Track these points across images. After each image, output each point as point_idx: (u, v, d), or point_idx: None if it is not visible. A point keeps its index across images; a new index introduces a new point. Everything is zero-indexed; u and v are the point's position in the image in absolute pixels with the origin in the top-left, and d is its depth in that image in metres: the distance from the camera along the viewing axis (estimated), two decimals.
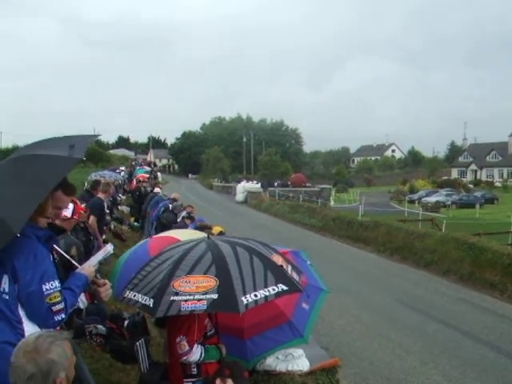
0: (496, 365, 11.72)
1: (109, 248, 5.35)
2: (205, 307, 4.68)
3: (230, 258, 5.10)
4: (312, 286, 7.01)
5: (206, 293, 4.70)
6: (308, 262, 7.30)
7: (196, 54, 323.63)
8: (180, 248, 5.45)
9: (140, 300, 4.95)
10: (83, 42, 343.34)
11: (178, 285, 4.79)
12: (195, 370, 5.67)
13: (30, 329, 3.98)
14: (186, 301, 4.68)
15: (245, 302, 4.70)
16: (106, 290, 4.84)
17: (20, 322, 3.97)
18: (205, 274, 4.88)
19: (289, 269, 5.44)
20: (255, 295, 4.79)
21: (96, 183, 13.78)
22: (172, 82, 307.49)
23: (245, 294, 4.75)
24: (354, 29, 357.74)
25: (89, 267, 4.76)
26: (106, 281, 4.93)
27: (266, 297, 4.84)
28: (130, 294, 5.11)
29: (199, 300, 4.66)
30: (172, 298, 4.71)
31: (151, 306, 4.80)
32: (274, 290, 4.92)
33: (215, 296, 4.69)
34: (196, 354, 5.56)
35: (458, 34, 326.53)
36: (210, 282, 4.78)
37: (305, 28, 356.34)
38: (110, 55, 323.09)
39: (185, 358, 5.49)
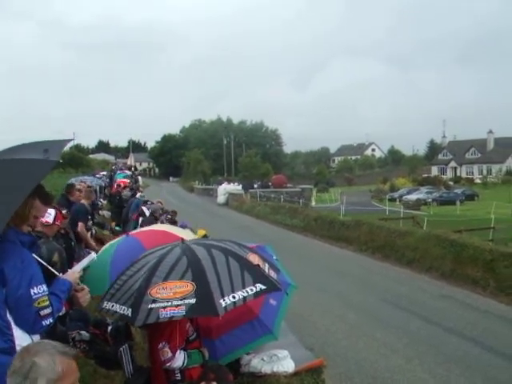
0: (480, 360, 11.76)
1: (93, 255, 5.33)
2: (183, 313, 4.65)
3: (206, 261, 5.05)
4: (279, 281, 6.99)
5: (183, 298, 4.67)
6: (274, 257, 7.25)
7: (177, 57, 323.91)
8: (155, 254, 5.39)
9: (118, 310, 4.93)
10: (63, 46, 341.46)
11: (155, 292, 4.76)
12: (179, 375, 5.65)
13: (19, 334, 3.94)
14: (164, 307, 4.65)
15: (223, 304, 4.68)
16: (84, 295, 4.79)
17: (9, 328, 3.91)
18: (181, 279, 4.84)
19: (266, 267, 5.42)
20: (233, 297, 4.77)
21: (70, 187, 13.68)
22: (152, 85, 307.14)
23: (223, 296, 4.73)
24: (335, 31, 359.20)
25: (73, 273, 4.72)
26: (84, 286, 4.88)
27: (244, 298, 4.83)
28: (108, 305, 5.08)
29: (177, 306, 4.64)
30: (150, 306, 4.68)
31: (130, 315, 4.78)
32: (252, 290, 4.90)
33: (193, 301, 4.66)
34: (179, 360, 5.54)
35: (438, 35, 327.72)
36: (187, 286, 4.75)
37: (287, 30, 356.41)
38: (89, 59, 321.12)
39: (168, 364, 5.46)
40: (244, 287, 4.89)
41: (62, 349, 3.00)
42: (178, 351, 5.54)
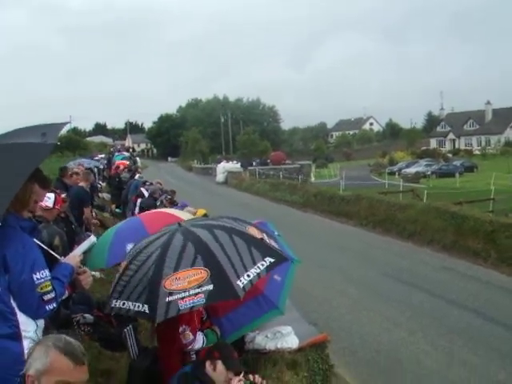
0: (482, 331, 11.84)
1: (92, 238, 5.29)
2: (203, 300, 4.61)
3: (212, 243, 4.99)
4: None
5: (200, 286, 4.62)
6: (276, 233, 7.24)
7: (173, 36, 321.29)
8: (155, 243, 5.27)
9: (132, 308, 4.83)
10: (57, 29, 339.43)
11: (169, 284, 4.67)
12: (194, 356, 5.65)
13: (23, 320, 3.93)
14: (182, 298, 4.59)
15: (241, 285, 4.68)
16: (86, 278, 4.76)
17: (13, 314, 3.89)
18: (192, 266, 4.77)
19: (266, 239, 5.44)
20: (248, 275, 4.77)
21: (64, 170, 13.64)
22: (148, 65, 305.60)
23: (238, 277, 4.72)
24: (331, 5, 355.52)
25: (74, 257, 4.70)
26: (86, 268, 4.86)
27: (258, 274, 4.85)
28: (118, 303, 4.97)
29: (196, 294, 4.59)
30: (167, 299, 4.60)
31: (147, 311, 4.70)
32: (263, 265, 4.91)
33: (210, 287, 4.62)
34: (200, 341, 5.61)
35: (434, 7, 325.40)
36: (201, 273, 4.70)
37: (281, 5, 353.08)
38: (85, 42, 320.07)
39: (190, 347, 5.49)
40: (255, 263, 4.90)
41: (63, 345, 2.98)
42: (198, 333, 5.59)
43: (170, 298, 4.60)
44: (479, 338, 11.45)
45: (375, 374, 10.19)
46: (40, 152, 4.16)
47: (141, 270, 5.03)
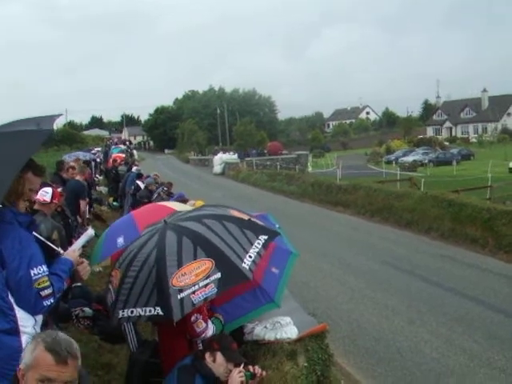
0: (481, 318, 11.87)
1: (90, 232, 5.27)
2: (215, 290, 4.62)
3: (208, 233, 4.99)
4: (281, 248, 6.95)
5: (208, 276, 4.62)
6: (277, 225, 7.23)
7: (166, 27, 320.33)
8: (149, 245, 5.18)
9: (142, 313, 4.77)
10: (52, 23, 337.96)
11: (177, 281, 4.63)
12: (201, 344, 5.66)
13: (21, 315, 3.93)
14: (193, 292, 4.57)
15: (247, 266, 4.73)
16: (83, 268, 4.73)
17: (11, 309, 3.90)
18: (195, 259, 4.75)
19: (252, 218, 5.48)
20: (250, 256, 4.82)
21: (60, 163, 13.65)
22: (143, 58, 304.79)
23: (242, 259, 4.76)
24: None
25: (73, 252, 4.68)
26: (83, 259, 4.85)
27: (258, 253, 4.90)
28: (125, 313, 4.88)
29: (206, 285, 4.59)
30: (179, 297, 4.57)
31: (162, 313, 4.65)
32: (259, 243, 4.97)
33: (218, 275, 4.63)
34: (211, 328, 5.65)
35: None
36: (206, 264, 4.69)
37: None
38: (80, 36, 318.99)
39: (203, 335, 5.51)
40: (252, 244, 4.94)
41: (50, 342, 2.98)
42: (209, 321, 5.64)
43: (182, 295, 4.58)
44: (478, 325, 11.48)
45: (375, 362, 10.20)
46: (36, 139, 4.16)
47: (141, 274, 4.94)
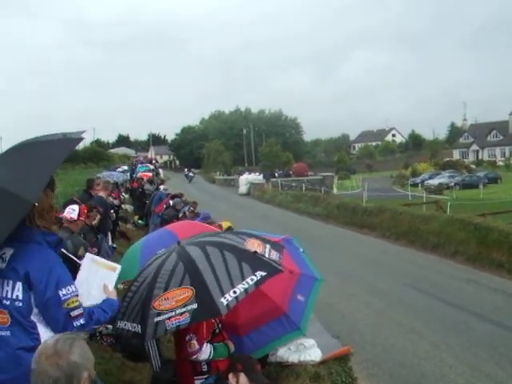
0: (507, 344, 11.69)
1: (118, 267, 5.23)
2: (188, 320, 4.65)
3: (201, 261, 5.02)
4: (306, 275, 6.93)
5: (185, 305, 4.66)
6: (301, 250, 7.22)
7: (195, 49, 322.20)
8: (154, 264, 5.34)
9: (130, 328, 4.92)
10: (83, 42, 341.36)
11: (158, 304, 4.75)
12: (205, 367, 5.67)
13: (44, 333, 3.95)
14: (169, 318, 4.66)
15: (225, 302, 4.66)
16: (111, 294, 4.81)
17: (34, 327, 3.94)
18: (180, 285, 4.82)
19: (266, 250, 5.37)
20: (234, 292, 4.74)
21: (91, 181, 13.81)
22: (170, 78, 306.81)
23: (223, 294, 4.71)
24: (354, 16, 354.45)
25: (113, 293, 4.73)
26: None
27: (245, 290, 4.79)
28: (120, 324, 5.04)
29: (181, 314, 4.64)
30: (156, 320, 4.69)
31: (140, 332, 4.79)
32: (252, 280, 4.86)
33: (195, 306, 4.65)
34: (206, 352, 5.58)
35: (457, 16, 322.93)
36: (187, 292, 4.73)
37: (304, 16, 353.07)
38: (108, 55, 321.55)
39: (194, 356, 5.49)
40: (244, 279, 4.86)
41: (75, 336, 3.21)
42: (205, 344, 5.57)
43: (159, 319, 4.69)
44: (505, 352, 11.31)
45: None
46: (68, 144, 4.32)
47: (139, 290, 5.11)
